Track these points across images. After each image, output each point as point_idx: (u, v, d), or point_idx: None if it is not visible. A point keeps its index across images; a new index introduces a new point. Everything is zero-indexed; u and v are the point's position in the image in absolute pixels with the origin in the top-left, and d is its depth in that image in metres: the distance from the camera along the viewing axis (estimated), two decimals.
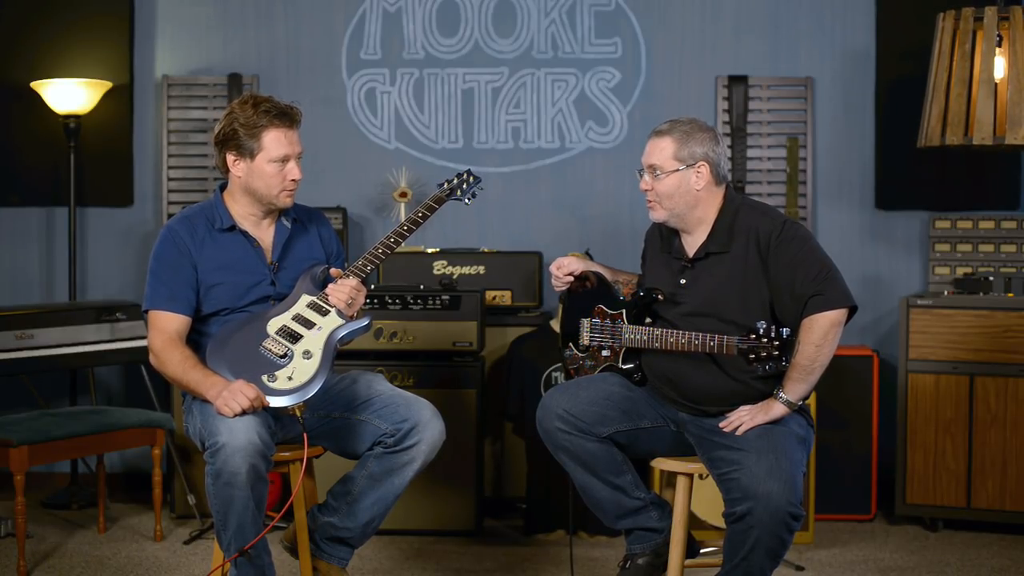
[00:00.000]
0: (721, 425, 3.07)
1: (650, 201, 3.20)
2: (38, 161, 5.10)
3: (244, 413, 2.98)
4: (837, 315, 3.03)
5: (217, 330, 3.20)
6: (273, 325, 3.17)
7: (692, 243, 3.20)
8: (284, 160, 3.19)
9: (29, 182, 5.12)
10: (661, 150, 3.15)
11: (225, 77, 5.07)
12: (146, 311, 3.23)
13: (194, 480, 4.53)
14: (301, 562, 3.27)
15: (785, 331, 2.93)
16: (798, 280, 3.04)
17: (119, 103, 5.07)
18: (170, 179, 5.10)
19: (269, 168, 3.19)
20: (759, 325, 2.95)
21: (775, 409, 3.05)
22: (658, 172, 3.15)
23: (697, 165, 3.14)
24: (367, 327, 3.27)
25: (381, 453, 3.24)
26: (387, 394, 3.29)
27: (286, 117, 3.19)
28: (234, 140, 3.19)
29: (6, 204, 5.16)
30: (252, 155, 3.19)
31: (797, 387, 3.05)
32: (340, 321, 3.21)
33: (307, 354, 3.13)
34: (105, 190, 5.13)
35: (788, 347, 2.93)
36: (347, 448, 3.31)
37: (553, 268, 3.36)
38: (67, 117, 4.85)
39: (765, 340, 2.93)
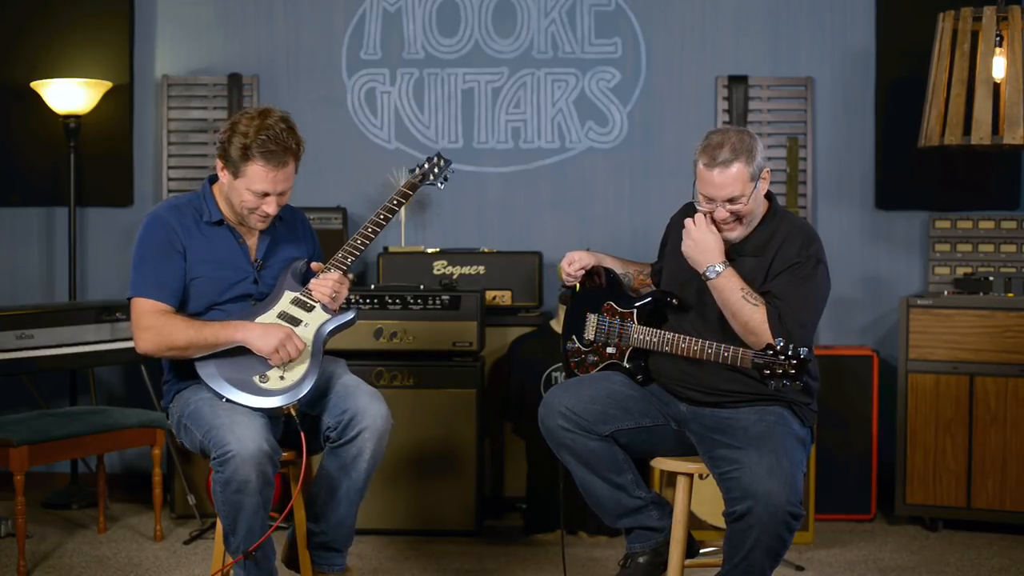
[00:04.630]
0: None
1: (728, 223, 3.13)
2: (38, 161, 5.10)
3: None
4: (764, 328, 3.01)
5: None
6: None
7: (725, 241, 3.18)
8: (263, 194, 3.14)
9: (29, 182, 5.12)
10: (736, 179, 3.07)
11: (225, 77, 5.07)
12: (131, 298, 3.17)
13: (194, 480, 4.53)
14: (301, 564, 3.27)
15: (803, 351, 2.88)
16: (781, 290, 3.06)
17: (119, 103, 5.07)
18: (170, 179, 5.10)
19: (246, 194, 3.14)
20: (777, 341, 2.92)
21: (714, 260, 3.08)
22: (739, 201, 3.09)
23: (763, 174, 3.12)
24: (353, 320, 3.24)
25: (329, 449, 3.19)
26: (338, 385, 3.22)
27: (275, 157, 3.09)
28: (225, 151, 3.14)
29: (6, 204, 5.16)
30: (235, 175, 3.14)
31: (729, 290, 3.05)
32: (326, 316, 3.19)
33: None
34: (105, 190, 5.13)
35: (804, 367, 2.89)
36: (312, 446, 3.20)
37: (564, 263, 3.36)
38: (67, 117, 4.85)
39: (782, 357, 2.89)
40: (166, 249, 3.17)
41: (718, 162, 3.07)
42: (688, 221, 3.14)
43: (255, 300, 3.22)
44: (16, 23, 5.07)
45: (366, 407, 3.15)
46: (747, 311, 3.03)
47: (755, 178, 3.10)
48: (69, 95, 4.81)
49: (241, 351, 3.10)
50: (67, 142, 4.89)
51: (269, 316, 3.16)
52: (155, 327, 3.12)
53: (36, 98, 4.91)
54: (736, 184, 3.07)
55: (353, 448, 3.15)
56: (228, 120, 3.20)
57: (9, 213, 5.18)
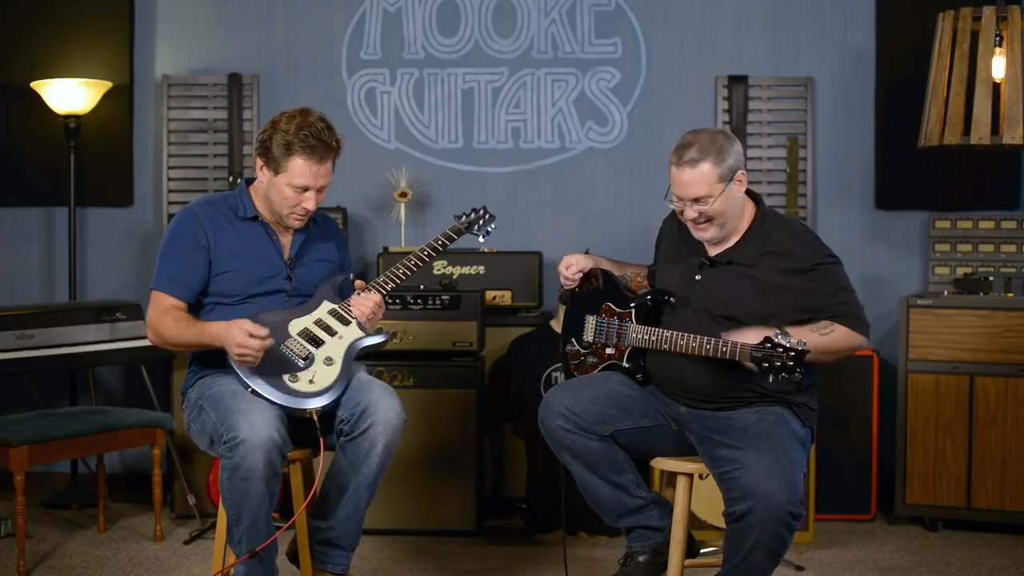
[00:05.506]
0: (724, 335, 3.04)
1: (699, 224, 3.13)
2: (38, 161, 5.10)
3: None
4: (853, 339, 3.14)
5: (221, 315, 3.20)
6: (295, 327, 3.20)
7: (717, 245, 3.19)
8: (304, 189, 3.21)
9: (29, 182, 5.12)
10: (702, 179, 3.07)
11: (225, 77, 5.07)
12: (151, 288, 3.25)
13: (194, 480, 4.53)
14: (301, 562, 3.27)
15: (801, 343, 2.89)
16: (836, 301, 3.15)
17: (119, 103, 5.07)
18: (170, 179, 5.10)
19: (287, 190, 3.21)
20: (776, 334, 2.92)
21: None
22: (707, 201, 3.08)
23: (736, 176, 3.11)
24: (384, 343, 3.31)
25: (343, 443, 3.21)
26: (354, 380, 3.25)
27: (317, 152, 3.18)
28: (266, 149, 3.21)
29: (6, 204, 5.16)
30: (276, 171, 3.21)
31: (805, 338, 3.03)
32: (360, 333, 3.25)
33: (329, 360, 3.18)
34: (105, 190, 5.13)
35: (802, 358, 2.89)
36: (328, 442, 3.24)
37: (562, 267, 3.37)
38: (67, 117, 4.85)
39: (780, 350, 2.90)
40: (189, 245, 3.23)
41: (684, 161, 3.08)
42: (724, 335, 3.06)
43: (288, 296, 3.28)
44: (16, 23, 5.07)
45: (379, 400, 3.18)
46: (829, 341, 3.09)
47: (725, 179, 3.08)
48: (69, 95, 4.81)
49: (272, 346, 3.12)
50: (67, 142, 4.89)
51: (306, 321, 3.23)
52: (152, 322, 3.22)
53: (36, 98, 4.91)
54: (702, 184, 3.07)
55: (365, 441, 3.17)
56: (268, 121, 3.26)
57: (9, 213, 5.18)
